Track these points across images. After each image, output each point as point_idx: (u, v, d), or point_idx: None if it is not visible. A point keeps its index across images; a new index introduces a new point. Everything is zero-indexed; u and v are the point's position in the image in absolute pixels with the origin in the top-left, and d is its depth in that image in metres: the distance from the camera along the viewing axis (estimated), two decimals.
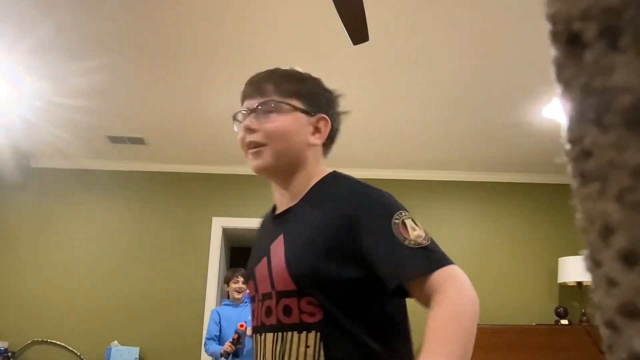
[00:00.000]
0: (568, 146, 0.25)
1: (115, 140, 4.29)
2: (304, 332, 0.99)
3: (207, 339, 3.67)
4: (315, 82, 1.18)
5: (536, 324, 4.33)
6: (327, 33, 2.82)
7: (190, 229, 4.66)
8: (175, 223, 4.67)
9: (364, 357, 0.98)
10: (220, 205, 4.66)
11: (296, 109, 1.11)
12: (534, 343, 4.03)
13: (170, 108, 3.76)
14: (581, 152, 0.24)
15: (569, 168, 0.25)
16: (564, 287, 4.59)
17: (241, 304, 3.72)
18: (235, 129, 1.17)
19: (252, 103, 1.11)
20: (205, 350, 3.69)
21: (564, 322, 4.32)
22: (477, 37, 2.90)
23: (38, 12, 2.70)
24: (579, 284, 4.36)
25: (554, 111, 3.65)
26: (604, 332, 0.24)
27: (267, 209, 1.26)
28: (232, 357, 3.35)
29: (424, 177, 4.84)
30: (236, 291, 3.73)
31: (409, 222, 1.00)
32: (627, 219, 0.22)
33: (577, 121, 0.24)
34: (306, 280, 0.99)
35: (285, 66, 1.20)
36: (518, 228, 4.77)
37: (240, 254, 4.67)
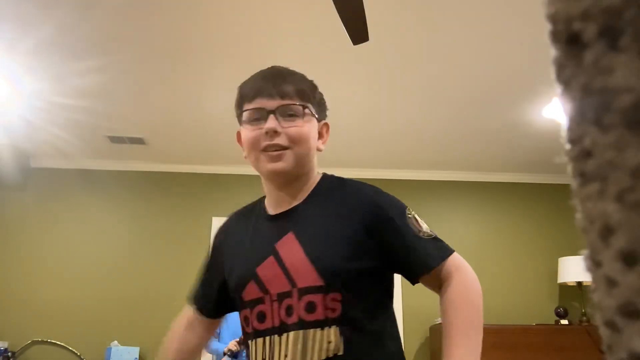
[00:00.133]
0: (568, 146, 0.25)
1: (115, 140, 4.29)
2: (326, 328, 1.02)
3: None
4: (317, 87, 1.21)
5: (536, 324, 4.32)
6: (328, 33, 2.82)
7: (190, 229, 4.66)
8: (175, 223, 4.67)
9: (375, 347, 1.05)
10: (220, 206, 4.65)
11: (312, 114, 1.14)
12: (534, 343, 4.03)
13: (171, 108, 3.76)
14: (581, 152, 0.24)
15: (569, 168, 0.25)
16: (564, 287, 4.59)
17: None
18: (247, 126, 1.13)
19: (273, 103, 1.10)
20: (205, 347, 3.65)
21: (564, 322, 4.32)
22: (477, 37, 2.90)
23: (38, 12, 2.70)
24: (579, 284, 4.35)
25: (554, 111, 3.65)
26: (604, 332, 0.24)
27: None
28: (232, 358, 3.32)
29: (424, 177, 4.84)
30: None
31: (417, 216, 1.13)
32: (627, 219, 0.22)
33: (577, 121, 0.24)
34: (335, 276, 1.03)
35: (285, 66, 1.20)
36: (518, 228, 4.77)
37: None
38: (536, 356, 3.95)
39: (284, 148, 1.09)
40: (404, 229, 1.08)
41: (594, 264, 0.24)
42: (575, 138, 0.24)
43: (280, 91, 1.10)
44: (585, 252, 0.25)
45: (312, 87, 1.17)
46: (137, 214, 4.68)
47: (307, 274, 1.03)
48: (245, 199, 1.33)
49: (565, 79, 0.25)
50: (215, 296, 1.26)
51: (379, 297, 1.11)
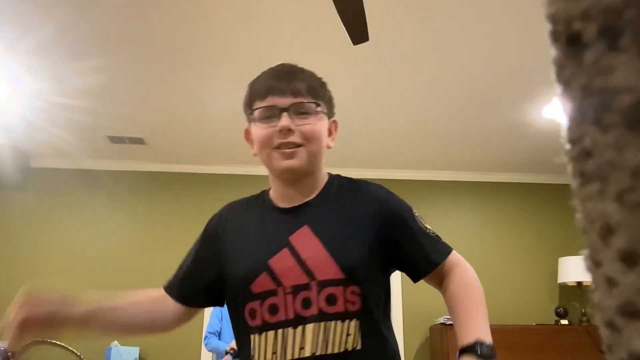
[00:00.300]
0: (568, 146, 0.25)
1: (115, 140, 4.29)
2: (347, 321, 1.03)
3: (209, 332, 3.57)
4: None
5: (536, 324, 4.32)
6: (328, 33, 2.82)
7: (191, 229, 4.64)
8: (175, 223, 4.67)
9: (384, 342, 1.10)
10: (220, 206, 4.64)
11: (323, 112, 1.15)
12: (534, 343, 4.03)
13: (171, 108, 3.76)
14: (581, 152, 0.24)
15: (569, 168, 0.25)
16: (564, 287, 4.59)
17: None
18: (259, 124, 1.12)
19: (285, 101, 1.10)
20: (206, 345, 3.59)
21: (564, 322, 4.32)
22: (477, 37, 2.90)
23: (38, 12, 2.70)
24: (579, 284, 4.35)
25: (554, 111, 3.65)
26: (604, 332, 0.24)
27: None
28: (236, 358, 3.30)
29: (424, 177, 4.84)
30: None
31: (420, 215, 1.19)
32: (627, 219, 0.22)
33: (577, 121, 0.24)
34: (355, 269, 1.06)
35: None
36: (518, 228, 4.77)
37: None
38: (536, 356, 3.95)
39: (298, 145, 1.10)
40: (415, 228, 1.13)
41: (594, 264, 0.24)
42: (575, 138, 0.24)
43: (293, 89, 1.10)
44: (585, 252, 0.25)
45: (322, 84, 1.18)
46: (137, 214, 4.68)
47: (327, 267, 1.04)
48: None
49: (565, 79, 0.25)
50: (204, 286, 1.20)
51: (385, 294, 1.15)
